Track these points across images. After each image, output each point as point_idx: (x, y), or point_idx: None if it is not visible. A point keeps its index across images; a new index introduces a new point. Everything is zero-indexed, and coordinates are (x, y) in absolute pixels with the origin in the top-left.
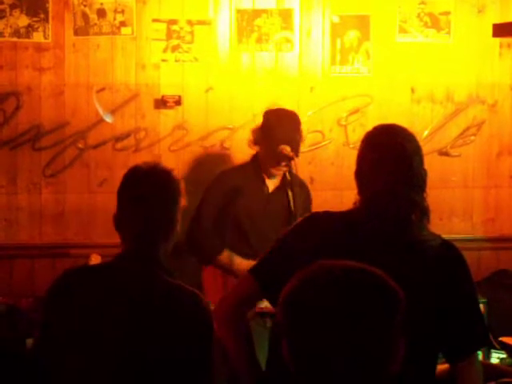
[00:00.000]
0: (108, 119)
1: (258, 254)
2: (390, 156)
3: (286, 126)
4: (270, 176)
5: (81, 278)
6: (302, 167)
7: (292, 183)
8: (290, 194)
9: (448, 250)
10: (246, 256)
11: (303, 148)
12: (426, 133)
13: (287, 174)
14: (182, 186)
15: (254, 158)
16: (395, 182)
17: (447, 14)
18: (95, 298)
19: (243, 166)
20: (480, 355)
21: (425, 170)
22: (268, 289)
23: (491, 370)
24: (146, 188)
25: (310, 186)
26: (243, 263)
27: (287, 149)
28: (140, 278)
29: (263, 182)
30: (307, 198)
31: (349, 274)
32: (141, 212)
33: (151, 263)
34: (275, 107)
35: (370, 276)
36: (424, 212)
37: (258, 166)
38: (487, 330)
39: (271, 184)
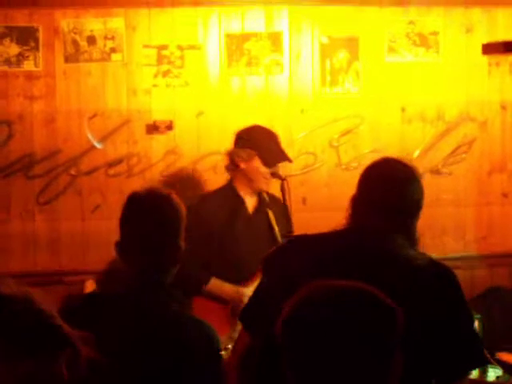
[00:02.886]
0: (99, 146)
1: (245, 277)
2: (382, 184)
3: (276, 142)
4: (251, 193)
5: (88, 307)
6: (295, 189)
7: (270, 202)
8: (270, 213)
9: (438, 269)
10: (233, 281)
11: (296, 170)
12: (417, 152)
13: (263, 193)
14: (184, 208)
15: (231, 182)
16: (383, 207)
17: (436, 33)
18: (102, 330)
19: (220, 191)
20: (476, 372)
21: (418, 199)
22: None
23: None
24: (147, 214)
25: (302, 207)
26: (232, 289)
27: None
28: (151, 311)
29: (244, 205)
30: (286, 215)
31: (346, 293)
32: (146, 241)
33: (161, 292)
34: (249, 126)
35: (366, 294)
36: (411, 235)
37: (235, 189)
38: (482, 348)
39: (250, 205)
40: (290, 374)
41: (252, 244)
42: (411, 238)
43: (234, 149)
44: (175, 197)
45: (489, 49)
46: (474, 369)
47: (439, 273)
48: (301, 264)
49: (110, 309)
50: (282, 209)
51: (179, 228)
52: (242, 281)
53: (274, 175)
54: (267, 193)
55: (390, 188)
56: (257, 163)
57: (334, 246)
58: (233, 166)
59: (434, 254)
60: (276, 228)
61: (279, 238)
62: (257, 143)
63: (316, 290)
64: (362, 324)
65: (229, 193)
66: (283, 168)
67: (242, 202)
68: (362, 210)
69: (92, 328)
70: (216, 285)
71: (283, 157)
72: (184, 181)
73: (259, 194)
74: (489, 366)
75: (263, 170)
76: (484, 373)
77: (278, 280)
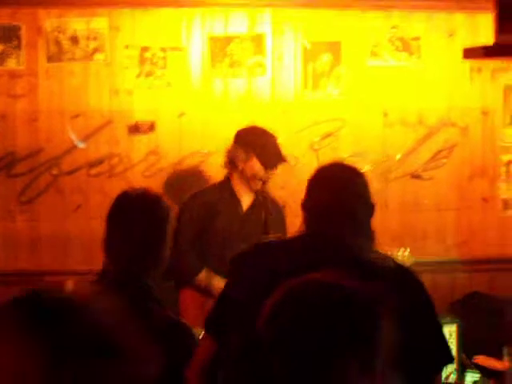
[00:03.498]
0: (81, 145)
1: None
2: (335, 186)
3: (275, 144)
4: (247, 191)
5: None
6: (275, 191)
7: (266, 202)
8: (263, 213)
9: (402, 272)
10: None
11: (276, 172)
12: (398, 156)
13: (263, 194)
14: (174, 211)
15: (227, 179)
16: (339, 209)
17: (418, 38)
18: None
19: (216, 187)
20: (454, 376)
21: (372, 203)
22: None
23: None
24: (136, 214)
25: (282, 209)
26: (221, 283)
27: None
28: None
29: (239, 203)
30: (281, 216)
31: (328, 288)
32: (130, 237)
33: (141, 292)
34: (250, 126)
35: (348, 290)
36: (369, 236)
37: (231, 187)
38: (448, 347)
39: (245, 203)
40: (278, 368)
41: (242, 242)
42: (368, 237)
43: (234, 148)
44: (164, 199)
45: (469, 53)
46: (445, 365)
47: (404, 275)
48: (265, 269)
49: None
50: (280, 211)
51: (166, 230)
52: None
53: (258, 178)
54: (266, 195)
55: (336, 189)
56: (255, 164)
57: (295, 252)
58: (231, 164)
59: (415, 258)
60: (269, 228)
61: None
62: (256, 145)
63: (299, 285)
64: (345, 319)
65: (225, 189)
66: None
67: (236, 200)
68: (314, 214)
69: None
70: (207, 277)
71: (281, 159)
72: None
73: (256, 194)
74: (467, 370)
75: (261, 172)
76: (462, 377)
77: (246, 284)
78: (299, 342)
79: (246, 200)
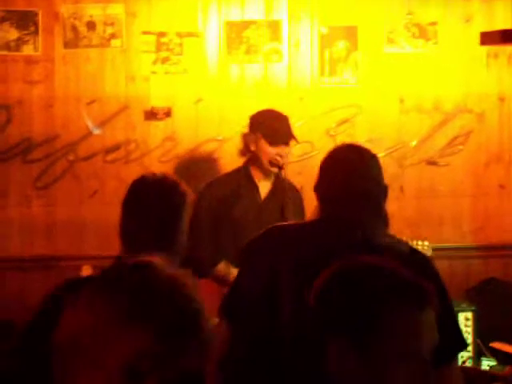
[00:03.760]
0: (97, 132)
1: None
2: (348, 168)
3: (284, 123)
4: (265, 177)
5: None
6: (292, 177)
7: (284, 188)
8: (285, 200)
9: (418, 257)
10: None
11: (293, 158)
12: (414, 143)
13: (282, 178)
14: (191, 197)
15: (245, 165)
16: (353, 191)
17: (434, 24)
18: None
19: (233, 174)
20: (470, 362)
21: (386, 185)
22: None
23: (482, 375)
24: (153, 199)
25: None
26: None
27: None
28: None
29: (257, 190)
30: (300, 203)
31: (380, 269)
32: (146, 222)
33: None
34: (261, 109)
35: (397, 273)
36: (383, 219)
37: (249, 174)
38: (462, 334)
39: (263, 191)
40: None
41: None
42: (382, 220)
43: (246, 132)
44: (182, 184)
45: (486, 38)
46: (458, 353)
47: (419, 260)
48: (280, 253)
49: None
50: (299, 197)
51: (183, 216)
52: None
53: (272, 163)
54: (284, 181)
55: (348, 171)
56: (263, 144)
57: (309, 237)
58: (245, 149)
59: (431, 244)
60: (287, 215)
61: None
62: (262, 124)
63: (356, 262)
64: (397, 300)
65: (242, 177)
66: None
67: (255, 187)
68: (328, 198)
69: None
70: (225, 268)
71: (288, 136)
72: None
73: (274, 182)
74: (483, 356)
75: (271, 152)
76: (478, 363)
77: (261, 269)
78: (351, 320)
79: (263, 187)
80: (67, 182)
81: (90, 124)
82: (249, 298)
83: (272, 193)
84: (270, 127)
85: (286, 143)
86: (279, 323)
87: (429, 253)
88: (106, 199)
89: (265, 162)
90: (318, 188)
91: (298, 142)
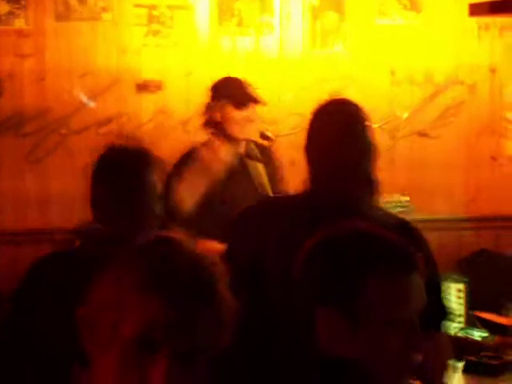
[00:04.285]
0: (90, 105)
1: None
2: (337, 130)
3: (246, 86)
4: (232, 149)
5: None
6: (284, 151)
7: (262, 156)
8: (256, 167)
9: (407, 228)
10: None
11: (284, 131)
12: (405, 115)
13: (250, 146)
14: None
15: (209, 140)
16: (343, 157)
17: None
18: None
19: (197, 149)
20: (462, 333)
21: (373, 143)
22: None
23: (472, 345)
24: (119, 171)
25: (291, 168)
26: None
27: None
28: None
29: (222, 163)
30: (274, 169)
31: (369, 235)
32: (117, 188)
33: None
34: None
35: (387, 239)
36: (373, 185)
37: (213, 147)
38: (445, 304)
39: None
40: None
41: (235, 203)
42: (372, 187)
43: (208, 103)
44: (152, 153)
45: (475, 9)
46: (443, 320)
47: (407, 229)
48: (274, 224)
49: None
50: (273, 166)
51: (156, 187)
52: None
53: (263, 136)
54: (258, 145)
55: (340, 137)
56: (229, 109)
57: (299, 209)
58: (210, 121)
59: (422, 215)
60: (262, 181)
61: (267, 190)
62: (226, 89)
63: (339, 229)
64: (383, 268)
65: (207, 150)
66: (271, 129)
67: (219, 159)
68: (318, 166)
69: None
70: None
71: (255, 98)
72: None
73: (246, 150)
74: (474, 327)
75: (237, 115)
76: (470, 333)
77: (248, 241)
78: (338, 288)
79: (231, 160)
80: (59, 155)
81: (82, 97)
82: (236, 272)
83: (241, 163)
84: (234, 90)
85: (255, 101)
86: (266, 297)
87: (410, 208)
88: None
89: (233, 131)
90: (307, 150)
91: (264, 103)
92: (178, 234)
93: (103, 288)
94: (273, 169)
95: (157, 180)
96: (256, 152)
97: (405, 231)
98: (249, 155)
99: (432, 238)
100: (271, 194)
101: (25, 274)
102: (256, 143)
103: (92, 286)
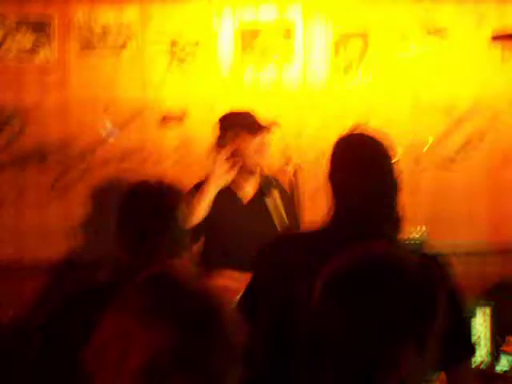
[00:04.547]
0: (113, 137)
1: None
2: (359, 166)
3: (252, 115)
4: (248, 177)
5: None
6: (307, 181)
7: (268, 187)
8: (271, 199)
9: (432, 260)
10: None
11: (307, 161)
12: (428, 144)
13: (266, 177)
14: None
15: None
16: (365, 193)
17: (447, 24)
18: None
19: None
20: (488, 360)
21: (397, 178)
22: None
23: (497, 377)
24: (143, 206)
25: (313, 199)
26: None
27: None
28: None
29: (234, 194)
30: (290, 200)
31: (389, 266)
32: (143, 222)
33: None
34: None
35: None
36: (397, 221)
37: None
38: (471, 341)
39: (246, 193)
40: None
41: (248, 234)
42: (397, 222)
43: (218, 136)
44: (175, 187)
45: (498, 37)
46: (469, 357)
47: (433, 266)
48: (293, 259)
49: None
50: (288, 198)
51: (169, 213)
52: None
53: (287, 164)
54: (274, 177)
55: (366, 166)
56: (244, 136)
57: (321, 241)
58: (222, 148)
59: (445, 244)
60: (277, 215)
61: (280, 227)
62: (238, 118)
63: (359, 255)
64: (408, 298)
65: None
66: (294, 159)
67: (232, 192)
68: (342, 196)
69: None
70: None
71: (266, 125)
72: None
73: (261, 180)
74: (501, 352)
75: (252, 141)
76: (496, 360)
77: (273, 274)
78: (359, 314)
79: (248, 189)
80: (83, 187)
81: (106, 129)
82: (264, 298)
83: (258, 194)
84: (247, 118)
85: (268, 128)
86: (293, 324)
87: (426, 238)
88: None
89: (247, 156)
90: (329, 183)
91: (272, 129)
92: (182, 265)
93: (109, 321)
94: (288, 200)
95: (183, 213)
96: (271, 181)
97: (427, 265)
98: (265, 185)
99: (457, 265)
100: (287, 224)
101: (54, 311)
102: (269, 178)
103: (100, 320)
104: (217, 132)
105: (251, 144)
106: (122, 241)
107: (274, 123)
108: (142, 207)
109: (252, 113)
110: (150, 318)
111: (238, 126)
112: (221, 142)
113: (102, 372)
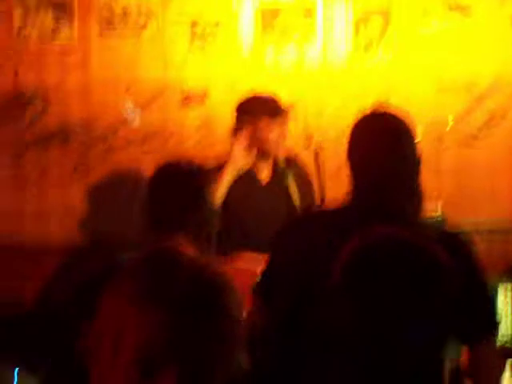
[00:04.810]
0: (134, 117)
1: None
2: (381, 142)
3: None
4: (264, 160)
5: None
6: (328, 160)
7: (293, 168)
8: (288, 180)
9: (453, 237)
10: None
11: (329, 140)
12: (450, 122)
13: (280, 159)
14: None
15: None
16: (387, 169)
17: (470, 1)
18: None
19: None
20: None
21: (418, 155)
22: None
23: None
24: (176, 185)
25: (336, 178)
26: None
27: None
28: None
29: (254, 175)
30: (307, 181)
31: (408, 245)
32: (170, 206)
33: None
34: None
35: (426, 251)
36: (418, 198)
37: None
38: (494, 316)
39: (264, 175)
40: (348, 317)
41: (267, 216)
42: (419, 199)
43: (236, 121)
44: (203, 168)
45: None
46: (492, 331)
47: (455, 240)
48: (317, 236)
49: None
50: (306, 178)
51: (205, 200)
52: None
53: (308, 144)
54: (287, 156)
55: (386, 143)
56: (262, 122)
57: (342, 219)
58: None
59: (468, 221)
60: (294, 195)
61: (297, 208)
62: (257, 103)
63: (377, 237)
64: (421, 278)
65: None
66: (316, 138)
67: (252, 173)
68: (361, 175)
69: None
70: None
71: (284, 108)
72: None
73: (274, 162)
74: None
75: (271, 125)
76: None
77: (292, 256)
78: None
79: (264, 171)
80: (105, 167)
81: (127, 110)
82: (281, 281)
83: (274, 176)
84: (265, 102)
85: (286, 112)
86: (311, 306)
87: (442, 216)
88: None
89: (265, 139)
90: (349, 161)
91: (290, 112)
92: (179, 245)
93: (103, 308)
94: (303, 181)
95: (211, 193)
96: (289, 162)
97: (447, 243)
98: (283, 167)
99: (479, 243)
100: (301, 207)
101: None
102: (286, 156)
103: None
104: (235, 116)
105: (269, 128)
106: (150, 219)
107: (292, 107)
108: (171, 186)
109: (270, 96)
110: (143, 304)
111: (256, 111)
112: (239, 126)
113: (96, 364)
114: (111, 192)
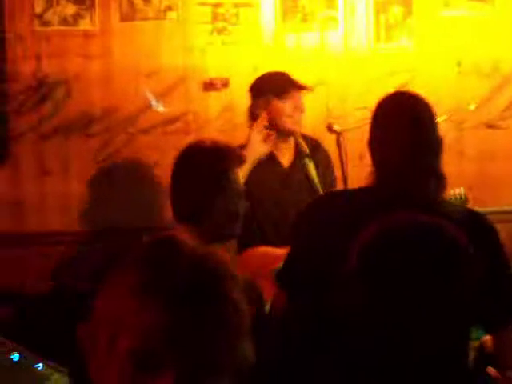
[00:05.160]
0: (156, 104)
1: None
2: (403, 123)
3: (287, 77)
4: (284, 142)
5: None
6: (351, 144)
7: (313, 150)
8: (309, 163)
9: (476, 217)
10: (273, 241)
11: (351, 125)
12: (472, 106)
13: (301, 141)
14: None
15: None
16: (409, 150)
17: None
18: None
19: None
20: None
21: (440, 137)
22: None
23: None
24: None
25: (359, 162)
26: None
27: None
28: None
29: (274, 160)
30: (328, 163)
31: (427, 228)
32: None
33: None
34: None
35: (447, 234)
36: (440, 179)
37: None
38: None
39: (285, 159)
40: (365, 303)
41: (288, 199)
42: (441, 180)
43: (251, 103)
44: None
45: None
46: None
47: (477, 220)
48: (336, 218)
49: None
50: (326, 158)
51: (238, 186)
52: (281, 241)
53: (330, 129)
54: (310, 140)
55: (409, 126)
56: (276, 102)
57: (365, 202)
58: (256, 119)
59: (489, 207)
60: (315, 179)
61: (319, 190)
62: (269, 83)
63: (395, 222)
64: (440, 262)
65: None
66: (338, 123)
67: (272, 157)
68: (383, 160)
69: None
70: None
71: (297, 84)
72: None
73: (296, 145)
74: None
75: (282, 104)
76: None
77: (315, 238)
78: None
79: (285, 154)
80: (127, 154)
81: (149, 97)
82: (302, 266)
83: (296, 159)
84: (274, 81)
85: (298, 88)
86: (327, 291)
87: (464, 199)
88: (166, 171)
89: (280, 122)
90: (372, 144)
91: (309, 89)
92: (181, 234)
93: (102, 296)
94: (325, 165)
95: (237, 175)
96: (305, 148)
97: (471, 225)
98: (303, 152)
99: (501, 229)
100: (322, 192)
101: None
102: (308, 140)
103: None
104: (249, 101)
105: (283, 108)
106: (175, 202)
107: (306, 87)
108: (197, 167)
109: (281, 73)
110: (142, 293)
111: (267, 92)
112: (254, 111)
113: (93, 354)
114: (126, 181)
